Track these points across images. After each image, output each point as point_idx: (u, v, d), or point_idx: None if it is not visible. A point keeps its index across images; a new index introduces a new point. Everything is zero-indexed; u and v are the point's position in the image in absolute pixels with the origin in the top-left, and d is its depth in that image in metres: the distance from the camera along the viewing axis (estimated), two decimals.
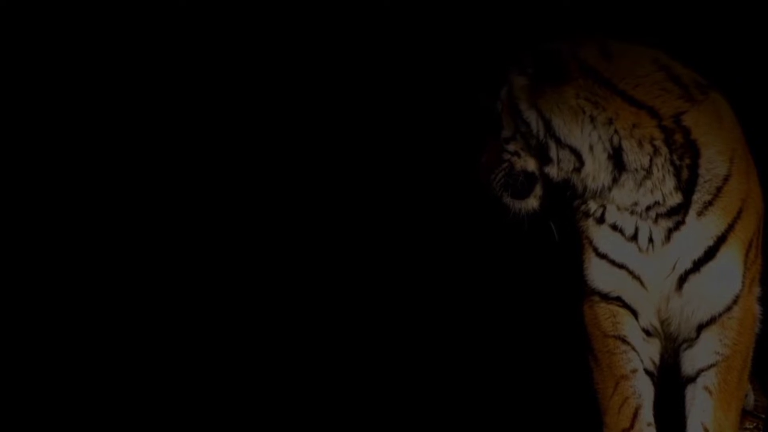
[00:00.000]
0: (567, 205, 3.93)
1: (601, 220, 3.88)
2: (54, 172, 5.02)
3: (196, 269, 5.04)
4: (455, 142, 4.93)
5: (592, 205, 3.89)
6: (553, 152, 3.84)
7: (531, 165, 3.90)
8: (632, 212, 3.83)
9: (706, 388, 3.80)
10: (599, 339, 3.89)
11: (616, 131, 3.78)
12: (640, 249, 3.83)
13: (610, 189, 3.83)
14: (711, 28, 4.68)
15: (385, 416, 4.71)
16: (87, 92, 5.01)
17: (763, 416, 4.33)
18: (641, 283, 3.85)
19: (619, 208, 3.85)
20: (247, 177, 5.08)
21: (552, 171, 3.87)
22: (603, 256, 3.88)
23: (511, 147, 3.91)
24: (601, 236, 3.88)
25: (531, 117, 3.85)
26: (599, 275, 3.88)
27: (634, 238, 3.84)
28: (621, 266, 3.86)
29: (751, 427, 4.28)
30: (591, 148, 3.81)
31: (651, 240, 3.82)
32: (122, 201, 5.05)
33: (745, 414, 4.13)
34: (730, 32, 4.71)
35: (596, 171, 3.82)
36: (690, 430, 3.83)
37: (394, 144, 5.09)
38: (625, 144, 3.79)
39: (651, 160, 3.79)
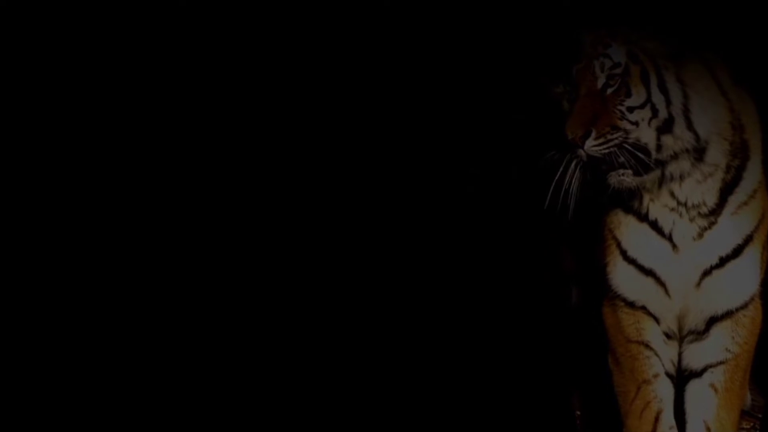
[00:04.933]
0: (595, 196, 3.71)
1: (644, 218, 3.71)
2: (54, 171, 5.00)
3: (196, 269, 5.03)
4: (454, 141, 4.96)
5: (645, 198, 3.68)
6: (678, 129, 3.56)
7: (646, 137, 3.56)
8: (673, 209, 3.68)
9: (711, 386, 3.77)
10: (622, 344, 3.80)
11: (711, 121, 3.60)
12: (674, 246, 3.69)
13: (681, 179, 3.64)
14: (714, 26, 4.69)
15: (385, 416, 4.71)
16: (87, 92, 5.00)
17: (760, 416, 4.34)
18: (666, 290, 3.73)
19: (661, 204, 3.69)
20: (247, 177, 5.08)
21: (668, 142, 3.56)
22: (631, 261, 3.74)
23: (635, 116, 3.54)
24: (634, 235, 3.73)
25: (674, 89, 3.56)
26: (625, 282, 3.76)
27: (670, 236, 3.70)
28: (649, 272, 3.72)
29: (748, 427, 4.28)
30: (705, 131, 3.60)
31: (683, 238, 3.69)
32: (122, 201, 5.04)
33: (742, 414, 4.08)
34: (729, 30, 4.73)
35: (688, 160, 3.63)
36: (691, 427, 3.80)
37: (393, 144, 5.10)
38: (714, 139, 3.62)
39: (720, 160, 3.64)
